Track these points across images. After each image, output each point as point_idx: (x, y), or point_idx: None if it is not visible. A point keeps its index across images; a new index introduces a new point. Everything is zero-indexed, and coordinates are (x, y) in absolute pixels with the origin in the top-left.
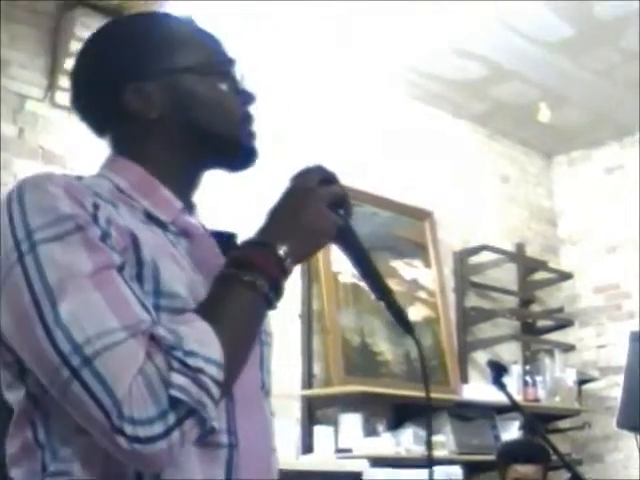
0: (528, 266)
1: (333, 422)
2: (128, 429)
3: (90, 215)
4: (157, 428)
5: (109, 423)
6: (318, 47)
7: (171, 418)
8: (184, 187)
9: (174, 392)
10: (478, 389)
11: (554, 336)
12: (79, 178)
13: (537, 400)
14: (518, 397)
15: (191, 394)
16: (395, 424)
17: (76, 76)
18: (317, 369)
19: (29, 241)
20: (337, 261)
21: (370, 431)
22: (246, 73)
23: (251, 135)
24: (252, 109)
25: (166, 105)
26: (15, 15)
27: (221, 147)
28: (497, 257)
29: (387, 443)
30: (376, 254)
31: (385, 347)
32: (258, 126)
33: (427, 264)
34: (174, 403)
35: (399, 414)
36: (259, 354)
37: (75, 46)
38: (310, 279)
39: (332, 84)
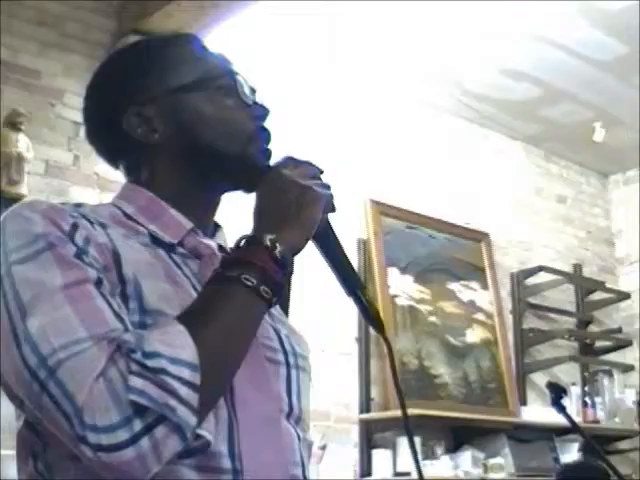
0: (585, 287)
1: (391, 446)
2: (91, 437)
3: (65, 234)
4: (121, 435)
5: (73, 432)
6: (367, 74)
7: (137, 425)
8: (198, 209)
9: (133, 396)
10: (537, 411)
11: (613, 356)
12: (78, 205)
13: (596, 421)
14: (577, 418)
15: (151, 397)
16: (453, 447)
17: (84, 110)
18: (375, 393)
19: (5, 265)
20: (394, 284)
21: (428, 454)
22: (260, 86)
23: (264, 152)
24: (267, 123)
25: (168, 127)
26: (69, 45)
27: (230, 167)
28: (554, 278)
29: (445, 466)
30: (433, 276)
31: (443, 369)
32: (283, 144)
33: (484, 286)
34: (139, 409)
35: (457, 437)
36: (285, 376)
37: None
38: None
39: (385, 109)
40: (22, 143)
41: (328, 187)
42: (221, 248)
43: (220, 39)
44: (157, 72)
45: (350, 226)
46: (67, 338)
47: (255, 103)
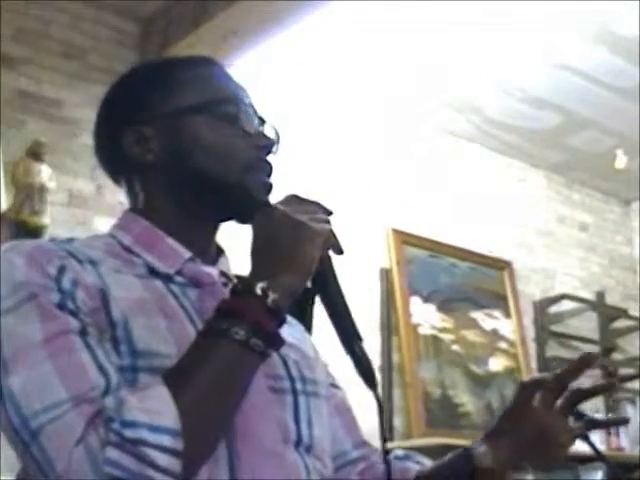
0: (608, 314)
1: None
2: None
3: (52, 279)
4: None
5: None
6: (388, 103)
7: None
8: (196, 236)
9: (108, 469)
10: None
11: (636, 384)
12: (70, 240)
13: (620, 449)
14: (601, 447)
15: (128, 469)
16: None
17: (95, 124)
18: (397, 422)
19: None
20: (416, 313)
21: None
22: (273, 118)
23: (260, 184)
24: (272, 155)
25: (164, 148)
26: (92, 76)
27: (223, 196)
28: (577, 306)
29: None
30: (456, 305)
31: (466, 398)
32: (281, 176)
33: (507, 314)
34: (118, 479)
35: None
36: (292, 404)
37: None
38: (389, 332)
39: (406, 138)
40: (45, 173)
41: (328, 222)
42: (223, 275)
43: (243, 69)
44: (163, 92)
45: (373, 255)
46: (48, 400)
47: (259, 133)
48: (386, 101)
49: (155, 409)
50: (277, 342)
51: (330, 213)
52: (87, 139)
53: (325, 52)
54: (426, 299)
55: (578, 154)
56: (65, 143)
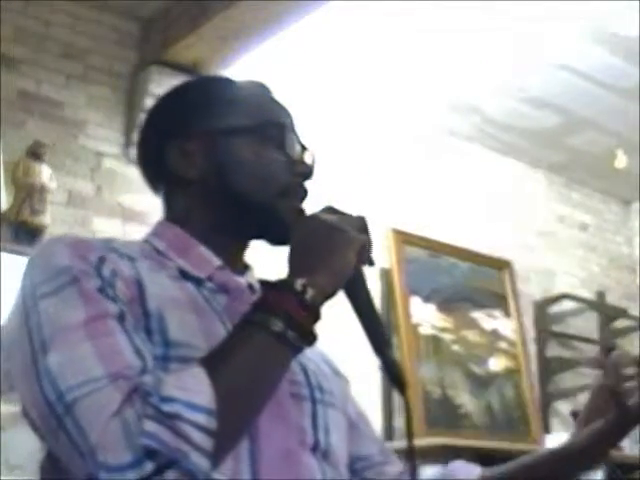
0: (608, 314)
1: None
2: (103, 476)
3: (92, 266)
4: (131, 475)
5: (86, 469)
6: (389, 104)
7: (148, 467)
8: (227, 249)
9: (145, 440)
10: (560, 439)
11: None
12: (109, 240)
13: (620, 449)
14: None
15: (164, 442)
16: None
17: (138, 137)
18: (398, 422)
19: (33, 299)
20: (417, 313)
21: None
22: (312, 147)
23: (292, 209)
24: (307, 184)
25: (208, 166)
26: (92, 76)
27: (257, 217)
28: (577, 306)
29: None
30: (456, 305)
31: (466, 398)
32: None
33: (507, 314)
34: (152, 451)
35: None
36: (310, 411)
37: (149, 102)
38: (389, 332)
39: (406, 138)
40: (45, 173)
41: (365, 232)
42: (250, 287)
43: (242, 70)
44: (209, 110)
45: (373, 255)
46: (84, 376)
47: (300, 160)
48: (386, 101)
49: (192, 387)
50: (312, 338)
51: (365, 223)
52: (87, 140)
53: (325, 53)
54: (426, 299)
55: (578, 154)
56: (65, 144)
